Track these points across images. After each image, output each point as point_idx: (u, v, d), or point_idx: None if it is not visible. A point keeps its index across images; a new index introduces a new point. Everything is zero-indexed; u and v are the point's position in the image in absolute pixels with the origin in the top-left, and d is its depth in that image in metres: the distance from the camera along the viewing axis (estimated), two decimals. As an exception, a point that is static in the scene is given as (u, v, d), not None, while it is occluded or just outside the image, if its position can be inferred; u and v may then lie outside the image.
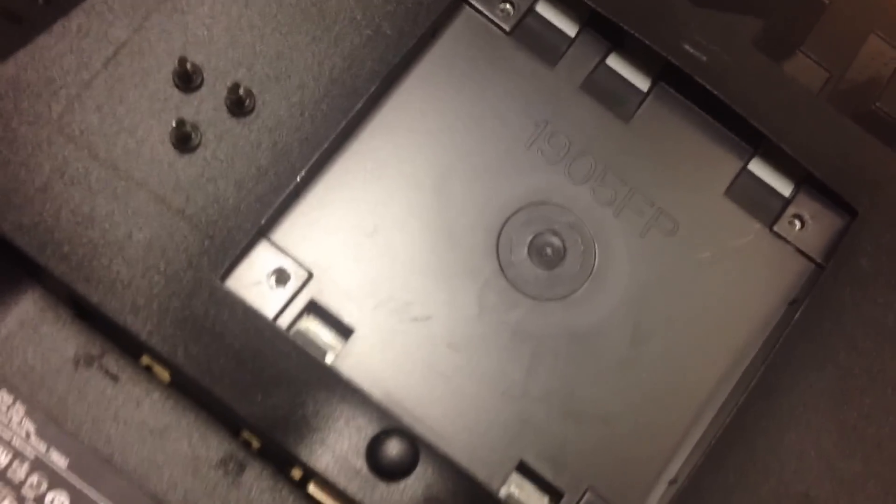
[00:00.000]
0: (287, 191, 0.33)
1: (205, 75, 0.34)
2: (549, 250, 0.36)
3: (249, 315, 0.32)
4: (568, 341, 0.35)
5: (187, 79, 0.34)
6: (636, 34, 0.37)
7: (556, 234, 0.36)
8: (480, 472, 0.32)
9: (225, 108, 0.34)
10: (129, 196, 0.33)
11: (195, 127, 0.33)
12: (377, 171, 0.35)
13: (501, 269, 0.35)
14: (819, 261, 0.37)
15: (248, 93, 0.34)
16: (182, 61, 0.33)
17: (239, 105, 0.34)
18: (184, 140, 0.33)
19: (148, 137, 0.33)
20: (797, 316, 0.35)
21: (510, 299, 0.35)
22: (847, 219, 0.37)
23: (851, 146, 0.38)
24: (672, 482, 0.34)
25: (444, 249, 0.35)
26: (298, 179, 0.34)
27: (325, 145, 0.34)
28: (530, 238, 0.36)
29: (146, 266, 0.32)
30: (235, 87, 0.34)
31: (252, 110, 0.34)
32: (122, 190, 0.33)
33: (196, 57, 0.34)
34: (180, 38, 0.34)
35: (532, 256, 0.36)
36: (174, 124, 0.33)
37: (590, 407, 0.34)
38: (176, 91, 0.34)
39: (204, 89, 0.34)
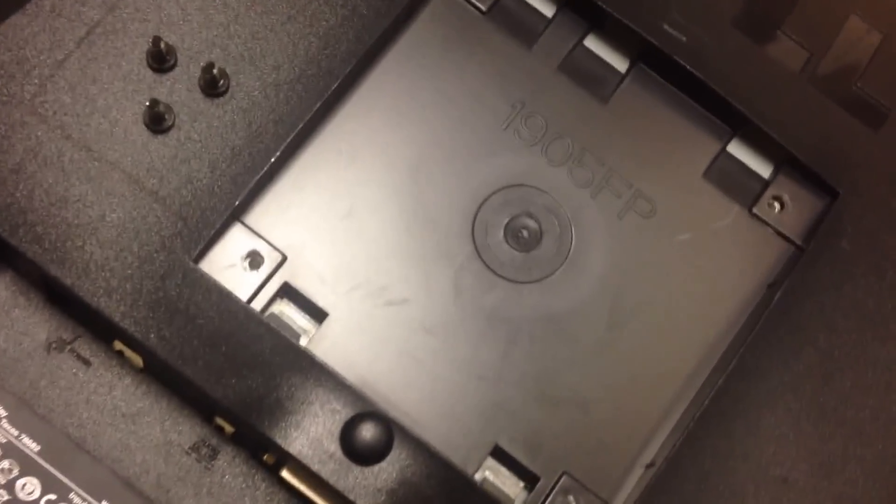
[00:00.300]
0: (261, 173, 0.33)
1: (178, 56, 0.34)
2: (525, 233, 0.35)
3: (223, 298, 0.31)
4: (544, 324, 0.34)
5: (161, 59, 0.33)
6: (614, 14, 0.36)
7: (532, 216, 0.36)
8: (455, 457, 0.32)
9: (199, 88, 0.33)
10: (103, 177, 0.32)
11: (168, 108, 0.33)
12: (352, 153, 0.35)
13: (477, 252, 0.35)
14: (799, 243, 0.37)
15: (223, 73, 0.33)
16: (156, 41, 0.33)
17: (213, 85, 0.33)
18: (157, 120, 0.32)
19: (121, 118, 0.33)
20: (776, 298, 0.35)
21: (486, 282, 0.35)
22: (827, 200, 0.37)
23: (832, 127, 0.37)
24: (649, 466, 0.33)
25: (420, 232, 0.35)
26: (273, 161, 0.33)
27: (300, 127, 0.34)
28: (506, 220, 0.35)
29: (119, 248, 0.31)
30: (209, 66, 0.33)
31: (226, 91, 0.33)
32: (95, 171, 0.32)
33: (170, 38, 0.34)
34: (154, 19, 0.34)
35: (508, 239, 0.35)
36: (147, 104, 0.32)
37: (566, 391, 0.34)
38: (149, 72, 0.33)
39: (177, 70, 0.33)
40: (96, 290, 0.31)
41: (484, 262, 0.35)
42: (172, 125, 0.33)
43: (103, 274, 0.31)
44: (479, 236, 0.35)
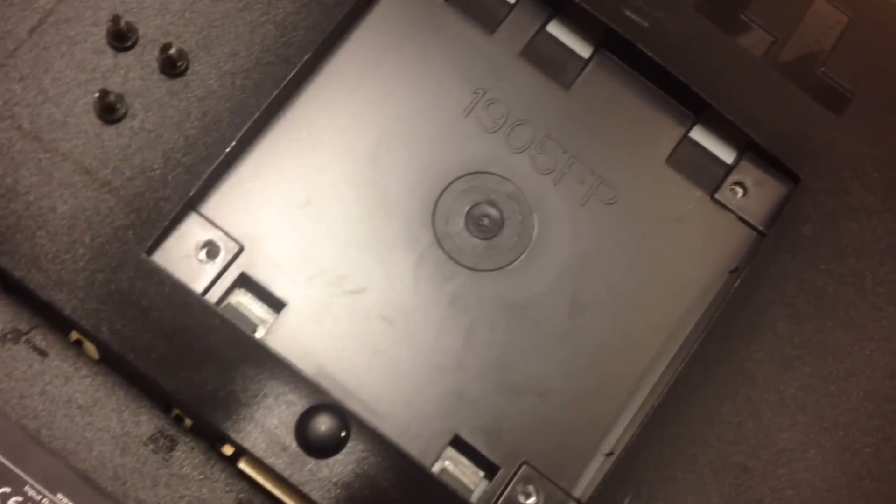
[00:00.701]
0: (217, 162, 0.31)
1: (137, 37, 0.31)
2: (486, 220, 0.33)
3: (176, 289, 0.29)
4: (505, 313, 0.32)
5: (121, 37, 0.31)
6: (577, 0, 0.34)
7: (493, 203, 0.34)
8: (414, 448, 0.30)
9: (156, 69, 0.31)
10: (54, 168, 0.30)
11: (120, 97, 0.31)
12: (311, 141, 0.33)
13: (437, 240, 0.33)
14: (761, 229, 0.35)
15: (181, 53, 0.31)
16: (116, 19, 0.31)
17: (171, 65, 0.31)
18: (108, 110, 0.30)
19: (73, 108, 0.31)
20: (737, 284, 0.33)
21: (446, 270, 0.33)
22: (790, 186, 0.35)
23: (795, 112, 0.35)
24: (609, 454, 0.32)
25: (380, 220, 0.33)
26: (229, 150, 0.31)
27: (257, 115, 0.31)
28: (467, 208, 0.33)
29: (71, 239, 0.30)
30: (168, 46, 0.31)
31: (184, 72, 0.31)
32: (46, 161, 0.30)
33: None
34: (107, 7, 0.32)
35: (469, 227, 0.33)
36: (97, 95, 0.30)
37: (527, 380, 0.32)
38: (103, 56, 0.31)
39: (134, 54, 0.31)
40: (47, 282, 0.29)
41: (444, 251, 0.33)
42: (125, 114, 0.31)
43: (54, 266, 0.29)
44: (439, 224, 0.33)
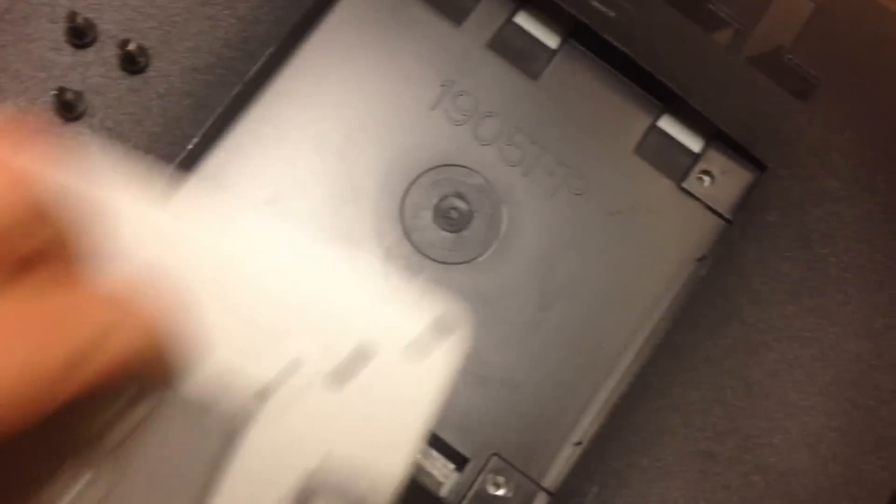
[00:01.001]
0: (179, 159, 0.29)
1: (96, 34, 0.30)
2: (454, 213, 0.32)
3: (141, 289, 0.28)
4: (475, 306, 0.31)
5: (79, 34, 0.29)
6: (543, -10, 0.33)
7: (461, 196, 0.32)
8: (382, 443, 0.29)
9: (116, 66, 0.30)
10: (15, 168, 0.29)
11: (79, 94, 0.29)
12: (277, 136, 0.31)
13: (406, 234, 0.31)
14: (728, 216, 0.33)
15: (141, 50, 0.30)
16: (72, 16, 0.29)
17: (131, 61, 0.29)
18: (67, 108, 0.29)
19: (32, 106, 0.29)
20: (703, 272, 0.32)
21: (415, 264, 0.31)
22: (756, 174, 0.34)
23: (761, 100, 0.34)
24: (577, 444, 0.30)
25: (348, 215, 0.31)
26: (191, 147, 0.30)
27: (220, 111, 0.30)
28: (436, 201, 0.32)
29: (33, 241, 0.28)
30: (127, 42, 0.29)
31: (144, 68, 0.30)
32: (7, 162, 0.29)
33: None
34: (65, 3, 0.30)
35: (437, 220, 0.32)
36: (55, 92, 0.29)
37: (496, 372, 0.31)
38: (61, 54, 0.29)
39: (93, 50, 0.30)
40: (10, 286, 0.28)
41: (413, 244, 0.32)
42: (84, 112, 0.29)
43: (16, 268, 0.28)
44: (407, 218, 0.32)
